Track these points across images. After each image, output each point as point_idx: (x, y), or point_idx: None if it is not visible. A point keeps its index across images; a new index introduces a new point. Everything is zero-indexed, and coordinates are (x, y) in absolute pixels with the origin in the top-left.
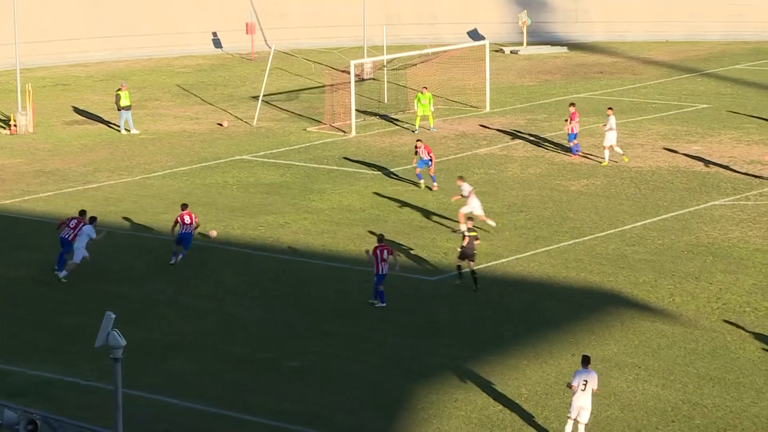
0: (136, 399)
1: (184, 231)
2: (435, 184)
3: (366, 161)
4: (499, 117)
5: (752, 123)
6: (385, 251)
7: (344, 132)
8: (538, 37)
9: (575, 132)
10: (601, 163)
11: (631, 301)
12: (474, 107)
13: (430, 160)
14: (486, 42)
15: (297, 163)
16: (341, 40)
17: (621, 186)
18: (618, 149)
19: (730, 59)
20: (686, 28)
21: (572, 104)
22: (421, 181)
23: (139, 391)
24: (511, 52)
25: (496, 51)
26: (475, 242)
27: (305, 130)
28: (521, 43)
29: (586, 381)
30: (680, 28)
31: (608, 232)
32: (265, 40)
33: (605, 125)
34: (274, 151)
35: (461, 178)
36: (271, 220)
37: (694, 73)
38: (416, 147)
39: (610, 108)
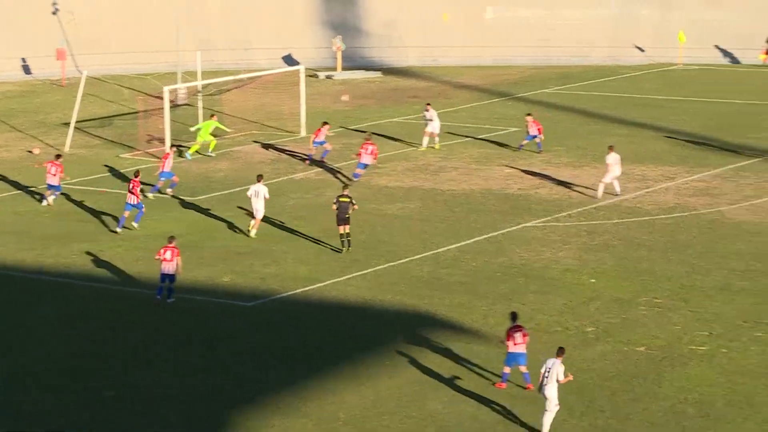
0: None
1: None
2: (152, 194)
3: (181, 187)
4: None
5: (562, 145)
6: (168, 252)
7: (159, 158)
8: (353, 62)
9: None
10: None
11: (446, 323)
12: (290, 132)
13: (171, 174)
14: (301, 67)
15: (111, 190)
16: (155, 65)
17: (435, 209)
18: None
19: (540, 83)
20: (496, 52)
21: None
22: (154, 193)
23: None
24: (326, 77)
25: (311, 76)
26: (353, 206)
27: (119, 156)
28: (336, 68)
29: (549, 369)
30: (491, 52)
31: (423, 254)
32: (77, 66)
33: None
34: (88, 178)
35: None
36: (86, 248)
37: (505, 97)
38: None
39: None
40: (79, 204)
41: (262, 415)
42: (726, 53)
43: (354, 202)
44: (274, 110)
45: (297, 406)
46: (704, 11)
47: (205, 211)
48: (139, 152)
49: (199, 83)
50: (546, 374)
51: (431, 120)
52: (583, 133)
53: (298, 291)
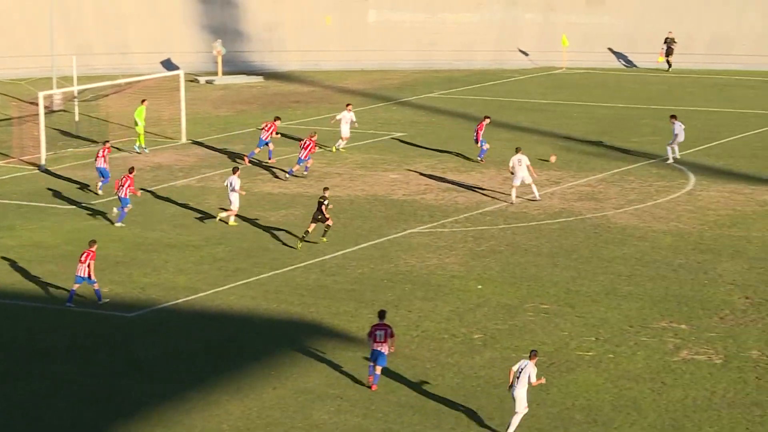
0: None
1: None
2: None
3: (58, 195)
4: (196, 148)
5: (447, 151)
6: (84, 254)
7: (34, 165)
8: (234, 67)
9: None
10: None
11: (332, 332)
12: (170, 138)
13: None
14: (180, 72)
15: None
16: (29, 70)
17: None
18: None
19: (424, 87)
20: (380, 56)
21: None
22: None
23: None
24: (207, 82)
25: (191, 81)
26: (326, 207)
27: None
28: (216, 73)
29: (521, 370)
30: (374, 56)
31: (308, 262)
32: None
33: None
34: None
35: None
36: None
37: (388, 102)
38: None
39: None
40: None
41: (145, 428)
42: (613, 55)
43: (329, 204)
44: (154, 116)
45: (180, 419)
46: (587, 15)
47: (82, 220)
48: (14, 159)
49: (75, 89)
50: (518, 375)
51: (346, 123)
52: (468, 138)
53: (179, 301)
